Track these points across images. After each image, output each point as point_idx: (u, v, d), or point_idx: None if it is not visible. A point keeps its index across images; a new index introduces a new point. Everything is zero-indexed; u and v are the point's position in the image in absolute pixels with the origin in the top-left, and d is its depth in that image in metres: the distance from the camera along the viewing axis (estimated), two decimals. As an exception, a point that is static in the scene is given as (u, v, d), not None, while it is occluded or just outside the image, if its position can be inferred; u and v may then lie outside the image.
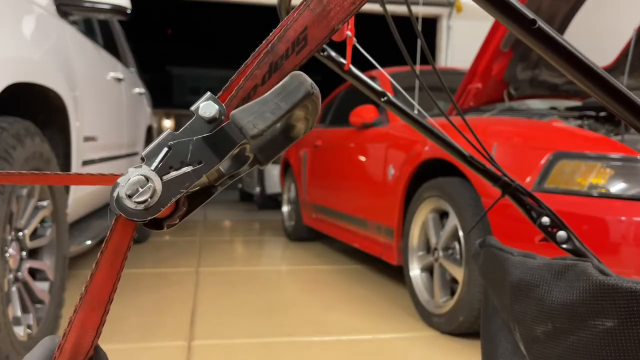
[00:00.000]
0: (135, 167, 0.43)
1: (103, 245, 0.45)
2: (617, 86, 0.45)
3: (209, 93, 0.45)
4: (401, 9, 0.74)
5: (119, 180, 0.42)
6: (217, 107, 0.43)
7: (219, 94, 0.45)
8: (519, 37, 0.45)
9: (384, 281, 3.37)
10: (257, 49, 0.45)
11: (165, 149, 0.43)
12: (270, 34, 0.45)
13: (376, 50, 0.73)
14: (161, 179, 0.43)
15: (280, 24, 0.45)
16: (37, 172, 0.47)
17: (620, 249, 1.73)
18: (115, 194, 0.42)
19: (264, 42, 0.45)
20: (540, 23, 0.43)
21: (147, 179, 0.42)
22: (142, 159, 0.43)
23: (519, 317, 0.63)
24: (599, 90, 0.45)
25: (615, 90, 0.45)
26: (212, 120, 0.43)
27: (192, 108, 0.44)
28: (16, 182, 0.48)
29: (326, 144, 4.17)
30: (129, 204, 0.42)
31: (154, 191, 0.42)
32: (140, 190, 0.42)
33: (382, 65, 0.80)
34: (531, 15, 0.43)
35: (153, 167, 0.43)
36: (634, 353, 0.51)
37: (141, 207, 0.42)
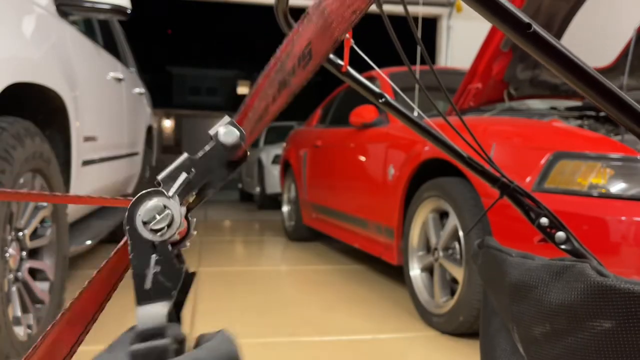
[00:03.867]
0: (151, 191, 0.41)
1: (103, 264, 0.43)
2: (613, 89, 0.45)
3: (227, 117, 0.43)
4: (400, 9, 0.75)
5: (135, 205, 0.41)
6: (237, 133, 0.42)
7: (235, 116, 0.44)
8: (514, 41, 0.45)
9: (384, 281, 3.38)
10: (266, 68, 0.44)
11: (184, 175, 0.42)
12: (278, 51, 0.44)
13: (376, 50, 0.73)
14: (180, 205, 0.41)
15: (286, 39, 0.44)
16: (55, 194, 0.46)
17: (621, 249, 1.73)
18: (130, 221, 0.41)
19: (272, 60, 0.44)
20: (536, 27, 0.43)
21: (165, 206, 0.40)
22: (158, 183, 0.42)
23: (517, 317, 0.63)
24: (595, 93, 0.45)
25: (610, 93, 0.45)
26: (234, 148, 0.42)
27: (211, 132, 0.43)
28: (27, 199, 0.47)
29: (326, 144, 4.17)
30: (144, 232, 0.40)
31: (172, 219, 0.41)
32: (158, 217, 0.40)
33: (383, 65, 0.80)
34: (526, 19, 0.43)
35: (171, 193, 0.41)
36: (631, 354, 0.51)
37: (157, 235, 0.41)
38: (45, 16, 2.13)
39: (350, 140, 3.63)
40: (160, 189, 0.41)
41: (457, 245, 2.39)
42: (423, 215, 2.63)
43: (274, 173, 7.40)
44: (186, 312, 2.62)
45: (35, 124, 1.95)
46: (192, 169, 0.42)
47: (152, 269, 0.41)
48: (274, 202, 7.63)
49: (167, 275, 0.41)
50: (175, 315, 0.44)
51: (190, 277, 0.46)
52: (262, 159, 7.85)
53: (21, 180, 1.82)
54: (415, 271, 2.69)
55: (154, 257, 0.41)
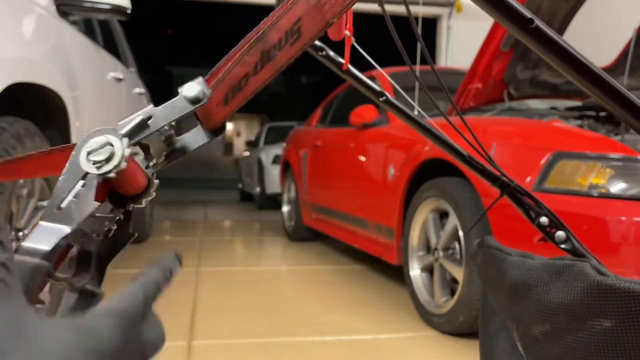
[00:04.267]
0: (104, 128, 0.42)
1: None
2: (615, 86, 0.45)
3: (200, 77, 0.45)
4: (400, 9, 0.75)
5: (86, 138, 0.42)
6: (199, 87, 0.44)
7: (206, 77, 0.45)
8: (516, 37, 0.45)
9: (384, 281, 3.37)
10: (247, 36, 0.45)
11: (140, 118, 0.43)
12: (262, 22, 0.45)
13: (376, 51, 0.73)
14: (127, 147, 0.42)
15: (272, 12, 0.44)
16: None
17: (621, 249, 1.73)
18: (77, 150, 0.42)
19: (254, 29, 0.44)
20: (538, 22, 0.43)
21: (110, 143, 0.41)
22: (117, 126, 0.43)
23: (517, 317, 0.63)
24: (597, 89, 0.45)
25: (613, 89, 0.45)
26: (195, 101, 0.44)
27: (180, 88, 0.45)
28: None
29: (326, 144, 4.17)
30: (82, 160, 0.41)
31: (112, 154, 0.41)
32: (100, 150, 0.41)
33: (382, 65, 0.80)
34: (529, 14, 0.43)
35: (122, 132, 0.42)
36: (631, 353, 0.51)
37: (93, 166, 0.41)
38: (45, 16, 2.13)
39: (350, 140, 3.63)
40: (113, 128, 0.43)
41: (457, 245, 2.39)
42: (423, 215, 2.63)
43: (274, 173, 7.40)
44: (186, 312, 2.62)
45: (35, 124, 1.95)
46: (152, 117, 0.44)
47: (70, 195, 0.42)
48: (274, 202, 7.62)
49: (78, 206, 0.42)
50: (95, 269, 0.46)
51: (125, 236, 0.46)
52: (262, 159, 7.85)
53: (21, 181, 1.82)
54: (415, 271, 2.69)
55: (78, 186, 0.42)
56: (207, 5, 7.30)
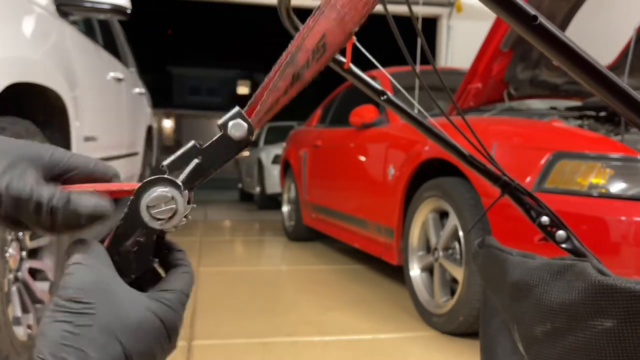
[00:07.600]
0: (161, 178, 0.41)
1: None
2: (619, 84, 0.45)
3: (237, 108, 0.44)
4: (401, 9, 0.75)
5: (143, 189, 0.41)
6: (246, 126, 0.43)
7: (245, 109, 0.45)
8: (520, 34, 0.45)
9: (384, 281, 3.37)
10: (278, 62, 0.46)
11: (195, 162, 0.42)
12: (289, 44, 0.45)
13: (375, 52, 0.74)
14: (184, 199, 0.41)
15: (298, 33, 0.45)
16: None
17: (620, 249, 1.73)
18: (136, 198, 0.41)
19: (283, 54, 0.45)
20: (542, 19, 0.43)
21: (173, 197, 0.41)
22: (163, 171, 0.42)
23: (518, 317, 0.63)
24: (601, 87, 0.45)
25: (617, 87, 0.45)
26: (241, 140, 0.43)
27: (220, 122, 0.43)
28: None
29: (326, 143, 4.17)
30: (144, 213, 0.41)
31: (175, 212, 0.41)
32: (163, 207, 0.41)
33: (381, 66, 0.80)
34: (532, 11, 0.43)
35: (180, 180, 0.41)
36: (633, 353, 0.51)
37: (156, 222, 0.41)
38: (45, 16, 2.13)
39: (350, 140, 3.63)
40: (170, 177, 0.41)
41: (457, 245, 2.39)
42: (423, 215, 2.63)
43: (274, 173, 7.39)
44: (186, 312, 2.62)
45: (35, 124, 1.95)
46: (199, 157, 0.43)
47: (129, 247, 0.41)
48: (274, 202, 7.62)
49: (137, 260, 0.42)
50: None
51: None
52: (262, 159, 7.84)
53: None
54: (415, 271, 2.69)
55: (136, 236, 0.41)
56: (207, 5, 7.30)
